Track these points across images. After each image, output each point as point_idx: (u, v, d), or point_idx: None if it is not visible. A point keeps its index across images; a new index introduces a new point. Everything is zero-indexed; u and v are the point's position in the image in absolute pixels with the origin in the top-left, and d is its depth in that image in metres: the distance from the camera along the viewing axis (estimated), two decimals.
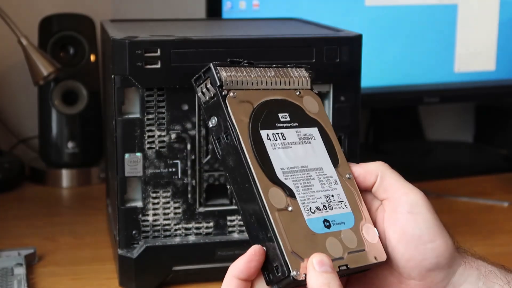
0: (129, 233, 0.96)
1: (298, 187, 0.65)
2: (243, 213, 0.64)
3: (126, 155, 0.94)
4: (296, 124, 0.68)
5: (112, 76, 0.93)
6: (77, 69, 1.42)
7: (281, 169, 0.65)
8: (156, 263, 0.96)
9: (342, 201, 0.68)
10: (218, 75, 0.66)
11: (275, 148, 0.66)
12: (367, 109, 1.58)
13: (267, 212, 0.63)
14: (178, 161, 0.96)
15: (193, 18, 1.36)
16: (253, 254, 0.62)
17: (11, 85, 1.50)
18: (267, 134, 0.66)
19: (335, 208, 0.67)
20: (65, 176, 1.43)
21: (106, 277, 1.01)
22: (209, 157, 0.97)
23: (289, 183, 0.65)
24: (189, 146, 0.96)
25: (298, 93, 0.70)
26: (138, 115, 0.94)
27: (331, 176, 0.68)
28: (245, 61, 0.69)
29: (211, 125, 0.66)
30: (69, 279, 1.01)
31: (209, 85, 0.67)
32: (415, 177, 1.42)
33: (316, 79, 0.96)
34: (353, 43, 0.98)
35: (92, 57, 1.42)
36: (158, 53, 0.92)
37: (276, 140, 0.66)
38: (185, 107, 0.95)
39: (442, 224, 0.70)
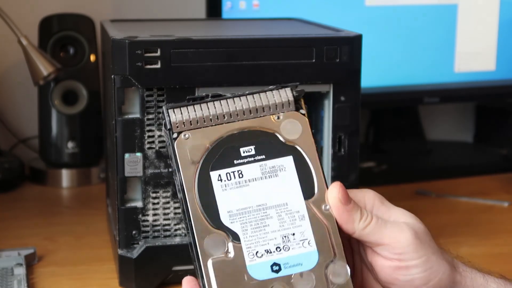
0: (129, 233, 0.96)
1: (246, 229, 0.63)
2: (192, 257, 0.63)
3: (126, 155, 0.94)
4: (263, 157, 0.65)
5: (112, 76, 0.93)
6: (77, 69, 1.42)
7: (229, 212, 0.63)
8: (156, 263, 0.96)
9: (306, 239, 0.64)
10: (168, 118, 0.65)
11: (225, 190, 0.64)
12: (367, 109, 1.58)
13: (199, 260, 0.62)
14: None
15: (193, 18, 1.37)
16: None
17: (11, 85, 1.50)
18: (219, 175, 0.64)
19: (293, 248, 0.64)
20: (65, 176, 1.43)
21: (106, 277, 1.01)
22: None
23: (235, 226, 0.63)
24: None
25: (277, 118, 0.67)
26: (138, 115, 0.94)
27: (298, 211, 0.65)
28: (210, 95, 0.66)
29: (171, 169, 0.66)
30: (69, 279, 1.01)
31: (163, 128, 0.66)
32: (415, 177, 1.44)
33: (316, 79, 0.97)
34: (353, 43, 0.98)
35: (92, 57, 1.42)
36: (158, 53, 0.92)
37: (230, 179, 0.64)
38: None
39: (437, 248, 0.68)
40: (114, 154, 0.95)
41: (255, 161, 0.65)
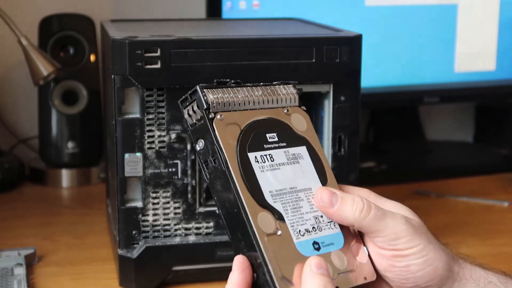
0: (129, 233, 0.96)
1: (287, 209, 0.65)
2: (232, 237, 0.64)
3: (126, 155, 0.94)
4: (284, 144, 0.68)
5: (112, 76, 0.93)
6: (77, 69, 1.42)
7: (270, 192, 0.65)
8: (156, 263, 0.96)
9: (331, 221, 0.67)
10: (205, 98, 0.66)
11: (263, 171, 0.65)
12: (367, 109, 1.58)
13: (256, 238, 0.62)
14: (178, 161, 0.96)
15: (193, 18, 1.37)
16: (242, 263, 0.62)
17: (11, 85, 1.50)
18: (255, 157, 0.66)
19: (324, 229, 0.66)
20: (65, 176, 1.43)
21: (106, 277, 1.01)
22: None
23: (278, 206, 0.65)
24: (189, 146, 0.96)
25: (286, 111, 0.70)
26: (138, 115, 0.94)
27: None
28: (232, 81, 0.68)
29: (198, 148, 0.66)
30: (69, 279, 1.01)
31: (195, 108, 0.66)
32: (415, 177, 1.44)
33: (316, 79, 0.97)
34: (353, 43, 0.98)
35: (92, 57, 1.42)
36: (158, 53, 0.92)
37: (265, 162, 0.66)
38: None
39: (435, 239, 0.69)
40: (114, 154, 0.95)
41: (279, 147, 0.68)
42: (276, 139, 0.68)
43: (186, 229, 0.97)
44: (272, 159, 0.66)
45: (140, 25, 1.12)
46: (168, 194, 0.96)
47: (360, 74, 0.99)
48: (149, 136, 0.95)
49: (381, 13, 1.44)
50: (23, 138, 1.51)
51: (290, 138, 0.69)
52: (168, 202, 0.96)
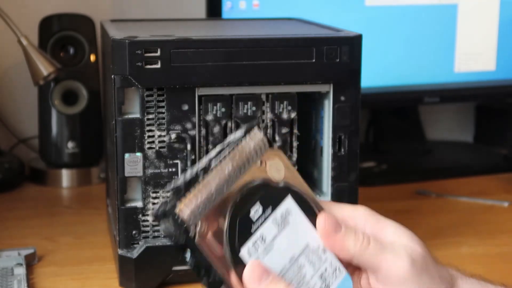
0: (129, 233, 0.96)
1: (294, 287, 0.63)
2: None
3: (126, 155, 0.94)
4: (270, 211, 0.64)
5: (112, 76, 0.93)
6: (77, 69, 1.42)
7: None
8: (156, 263, 0.96)
9: (336, 268, 0.65)
10: (179, 218, 0.59)
11: (260, 260, 0.62)
12: (367, 109, 1.58)
13: None
14: (178, 161, 0.96)
15: (193, 18, 1.37)
16: None
17: (11, 85, 1.50)
18: (248, 250, 0.62)
19: (332, 283, 0.64)
20: (65, 176, 1.43)
21: (106, 277, 1.01)
22: None
23: None
24: (189, 146, 0.96)
25: (260, 163, 0.65)
26: (138, 115, 0.94)
27: (318, 246, 0.65)
28: (200, 169, 0.62)
29: (187, 260, 0.61)
30: (69, 279, 1.01)
31: (172, 225, 0.60)
32: (415, 177, 1.44)
33: (316, 79, 0.97)
34: (353, 43, 0.98)
35: (92, 57, 1.42)
36: (158, 53, 0.92)
37: (258, 249, 0.62)
38: (185, 107, 0.95)
39: (436, 276, 0.66)
40: (114, 154, 0.95)
41: (266, 218, 0.64)
42: (261, 210, 0.63)
43: None
44: (263, 241, 0.63)
45: (140, 25, 1.12)
46: (168, 194, 0.96)
47: (360, 74, 0.99)
48: (149, 136, 0.95)
49: (381, 13, 1.44)
50: (23, 138, 1.51)
51: (273, 197, 0.64)
52: None
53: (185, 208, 0.60)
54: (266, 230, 0.63)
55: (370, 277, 0.65)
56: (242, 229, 0.62)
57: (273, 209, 0.64)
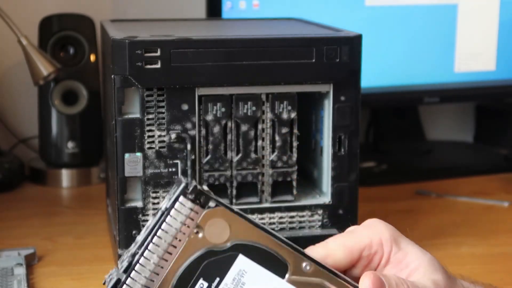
0: (129, 233, 0.96)
1: None
2: None
3: (126, 155, 0.94)
4: (218, 280, 0.58)
5: (112, 76, 0.93)
6: (77, 69, 1.42)
7: None
8: None
9: None
10: None
11: None
12: (367, 109, 1.58)
13: None
14: (178, 161, 0.96)
15: (193, 18, 1.37)
16: None
17: (11, 85, 1.50)
18: None
19: None
20: (65, 176, 1.43)
21: None
22: (209, 157, 0.97)
23: None
24: (189, 146, 0.96)
25: (195, 232, 0.59)
26: (138, 115, 0.94)
27: None
28: (125, 263, 0.59)
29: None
30: (69, 279, 1.01)
31: None
32: (415, 177, 1.44)
33: (316, 79, 0.97)
34: (353, 43, 0.98)
35: (92, 57, 1.42)
36: (158, 53, 0.92)
37: None
38: (185, 107, 0.95)
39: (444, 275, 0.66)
40: (114, 154, 0.95)
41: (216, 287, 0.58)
42: (206, 284, 0.58)
43: None
44: None
45: (140, 25, 1.12)
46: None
47: (360, 74, 0.99)
48: (149, 136, 0.95)
49: (381, 13, 1.44)
50: (23, 138, 1.51)
51: (218, 265, 0.58)
52: None
53: None
54: None
55: None
56: None
57: (222, 277, 0.58)
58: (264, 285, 0.59)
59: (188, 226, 0.59)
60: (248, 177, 0.99)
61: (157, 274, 0.58)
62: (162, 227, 0.58)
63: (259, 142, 0.98)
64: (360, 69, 0.98)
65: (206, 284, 0.58)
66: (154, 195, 0.96)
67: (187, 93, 0.94)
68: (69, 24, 1.42)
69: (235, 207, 0.61)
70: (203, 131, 0.96)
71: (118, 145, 0.94)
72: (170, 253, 0.58)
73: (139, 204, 0.96)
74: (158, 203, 0.96)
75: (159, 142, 0.95)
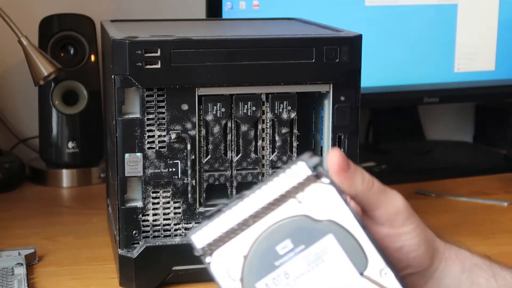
0: (129, 233, 0.96)
1: None
2: None
3: (126, 155, 0.94)
4: (303, 247, 0.60)
5: (112, 76, 0.93)
6: (77, 69, 1.42)
7: None
8: (156, 263, 0.96)
9: None
10: (195, 246, 0.61)
11: None
12: (367, 109, 1.58)
13: None
14: (178, 161, 0.96)
15: (193, 18, 1.37)
16: None
17: (11, 85, 1.51)
18: (266, 284, 0.59)
19: None
20: (65, 176, 1.43)
21: (106, 277, 1.01)
22: (209, 157, 0.97)
23: None
24: (189, 146, 0.96)
25: (299, 201, 0.61)
26: (138, 115, 0.94)
27: None
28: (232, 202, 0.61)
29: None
30: (69, 279, 1.01)
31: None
32: (415, 177, 1.44)
33: (316, 79, 0.98)
34: (353, 43, 0.98)
35: (92, 57, 1.42)
36: (158, 53, 0.92)
37: (278, 285, 0.59)
38: (185, 107, 0.95)
39: (424, 224, 0.69)
40: (114, 154, 0.95)
41: (295, 254, 0.60)
42: (291, 245, 0.60)
43: (186, 229, 0.97)
44: (287, 276, 0.59)
45: (140, 25, 1.12)
46: (168, 194, 0.96)
47: (360, 74, 0.99)
48: (149, 136, 0.95)
49: (381, 13, 1.44)
50: (23, 138, 1.52)
51: (308, 235, 0.60)
52: (168, 202, 0.97)
53: (203, 238, 0.61)
54: (292, 266, 0.60)
55: (365, 218, 0.68)
56: (264, 262, 0.60)
57: (307, 246, 0.60)
58: (340, 271, 0.60)
59: (297, 191, 0.61)
60: (248, 177, 0.99)
61: (247, 223, 0.60)
62: (274, 179, 0.61)
63: (259, 142, 0.98)
64: (360, 69, 0.98)
65: (291, 246, 0.60)
66: (154, 195, 0.96)
67: (187, 93, 0.94)
68: (69, 24, 1.42)
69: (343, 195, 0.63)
70: (203, 131, 0.96)
71: (118, 145, 0.94)
72: (270, 208, 0.60)
73: (139, 204, 0.96)
74: (158, 203, 0.96)
75: (159, 142, 0.95)
